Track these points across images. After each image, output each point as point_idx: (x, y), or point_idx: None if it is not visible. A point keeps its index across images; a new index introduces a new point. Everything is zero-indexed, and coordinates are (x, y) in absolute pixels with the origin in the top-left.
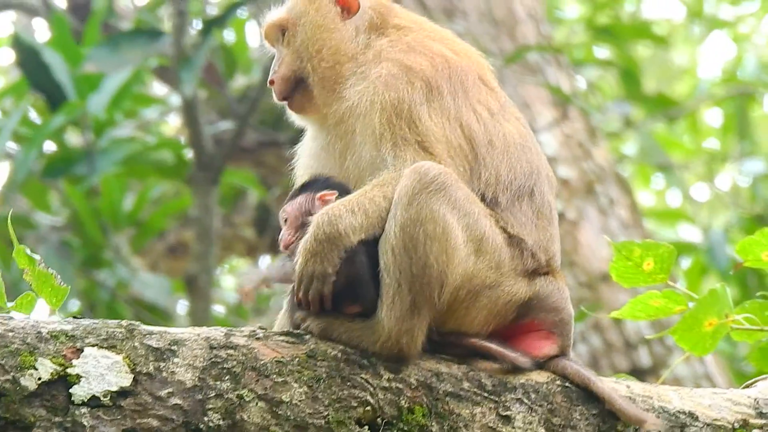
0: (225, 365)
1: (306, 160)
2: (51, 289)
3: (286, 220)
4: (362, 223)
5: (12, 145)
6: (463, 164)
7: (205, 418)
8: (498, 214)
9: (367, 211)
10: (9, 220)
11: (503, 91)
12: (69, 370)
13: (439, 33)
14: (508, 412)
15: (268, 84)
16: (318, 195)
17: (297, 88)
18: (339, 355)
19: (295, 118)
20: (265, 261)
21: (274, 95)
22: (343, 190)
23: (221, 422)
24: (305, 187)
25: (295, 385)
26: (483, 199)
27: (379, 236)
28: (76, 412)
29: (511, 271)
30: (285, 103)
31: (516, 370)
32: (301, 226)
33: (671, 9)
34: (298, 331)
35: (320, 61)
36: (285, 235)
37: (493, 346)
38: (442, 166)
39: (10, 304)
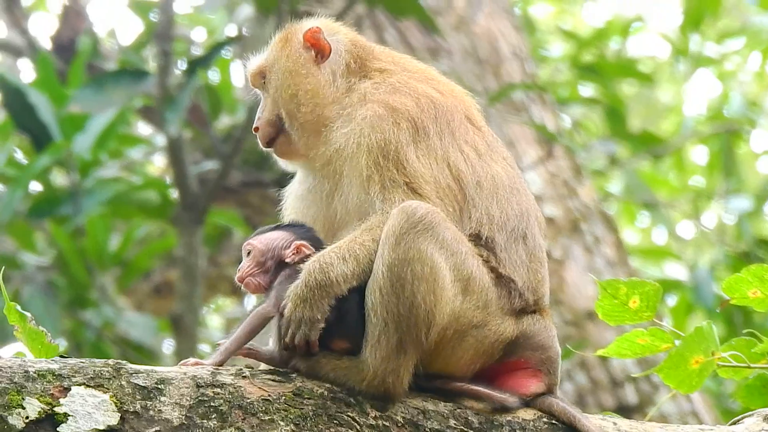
0: (212, 404)
1: (293, 201)
2: (41, 346)
3: (249, 253)
4: (353, 270)
5: None
6: (453, 204)
7: None
8: (493, 254)
9: (357, 257)
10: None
11: (490, 129)
12: (56, 409)
13: (423, 73)
14: None
15: (252, 130)
16: (298, 242)
17: (279, 134)
18: (326, 393)
19: (281, 164)
20: (251, 300)
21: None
22: (320, 247)
23: None
24: (282, 228)
25: (282, 423)
26: (479, 237)
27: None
28: None
29: (498, 310)
30: (270, 149)
31: (503, 408)
32: (264, 264)
33: (656, 47)
34: (285, 369)
35: (297, 105)
36: (244, 267)
37: (480, 389)
38: (429, 205)
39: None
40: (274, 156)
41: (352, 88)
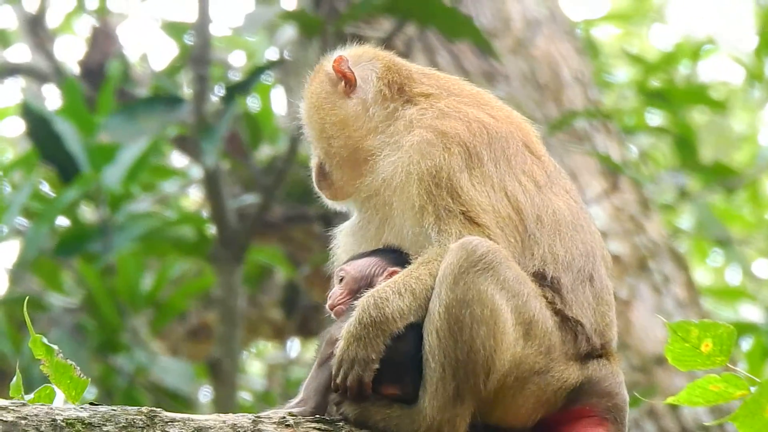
0: None
1: (342, 238)
2: (70, 380)
3: (341, 279)
4: (410, 305)
5: (22, 221)
6: (514, 235)
7: None
8: (559, 295)
9: (414, 292)
10: (25, 305)
11: (552, 159)
12: None
13: (474, 97)
14: None
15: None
16: (391, 269)
17: (323, 175)
18: None
19: (336, 206)
20: (294, 344)
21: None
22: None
23: None
24: (376, 253)
25: None
26: (543, 277)
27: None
28: None
29: (562, 355)
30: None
31: None
32: (357, 292)
33: (729, 72)
34: (332, 417)
35: (328, 140)
36: (336, 293)
37: None
38: (491, 242)
39: (28, 397)
40: (330, 202)
41: (395, 116)
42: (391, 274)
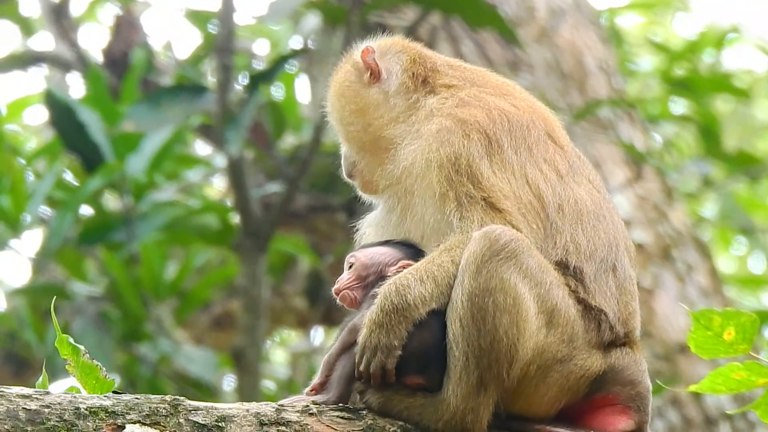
0: None
1: (366, 228)
2: (96, 381)
3: (351, 266)
4: (432, 292)
5: (46, 210)
6: (536, 222)
7: None
8: (582, 285)
9: (436, 279)
10: (53, 302)
11: (576, 149)
12: None
13: (498, 88)
14: None
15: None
16: (405, 262)
17: (352, 165)
18: (398, 431)
19: (368, 197)
20: (317, 333)
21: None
22: None
23: None
24: (390, 244)
25: None
26: (566, 267)
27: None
28: None
29: (585, 343)
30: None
31: None
32: (365, 279)
33: (753, 60)
34: (355, 405)
35: (347, 127)
36: (344, 279)
37: (562, 431)
38: (514, 231)
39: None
40: (361, 192)
41: (417, 106)
42: (403, 266)
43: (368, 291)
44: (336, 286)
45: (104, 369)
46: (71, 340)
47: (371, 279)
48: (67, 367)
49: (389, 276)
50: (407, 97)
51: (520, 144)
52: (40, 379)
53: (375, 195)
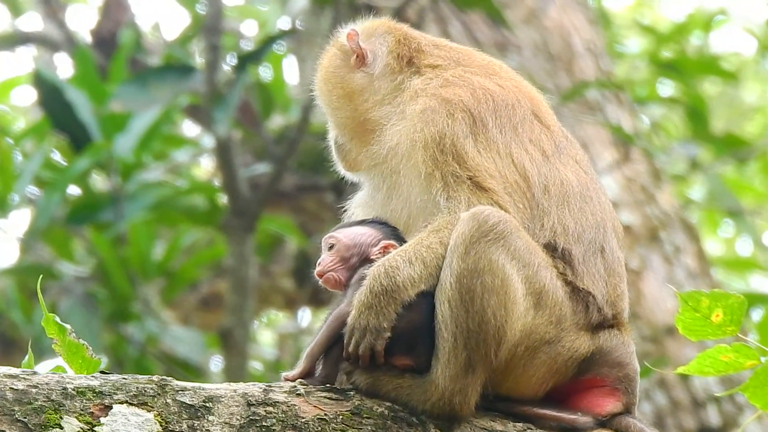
0: (264, 423)
1: (354, 210)
2: (82, 360)
3: (331, 246)
4: (421, 273)
5: (34, 190)
6: (522, 201)
7: None
8: (570, 267)
9: (425, 260)
10: (39, 281)
11: (563, 129)
12: (97, 429)
13: (484, 67)
14: None
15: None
16: (386, 242)
17: (339, 146)
18: (386, 412)
19: (350, 177)
20: (305, 314)
21: None
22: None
23: None
24: (366, 224)
25: None
26: (554, 249)
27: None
28: None
29: (573, 325)
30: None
31: (574, 430)
32: (348, 260)
33: (741, 42)
34: (343, 386)
35: (335, 111)
36: (326, 261)
37: (547, 412)
38: (502, 212)
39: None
40: (345, 172)
41: (402, 87)
42: (386, 246)
43: (352, 273)
44: (318, 269)
45: (90, 348)
46: (58, 319)
47: (354, 260)
48: (53, 346)
49: (373, 257)
50: (392, 79)
51: (505, 123)
52: (26, 358)
53: (358, 173)
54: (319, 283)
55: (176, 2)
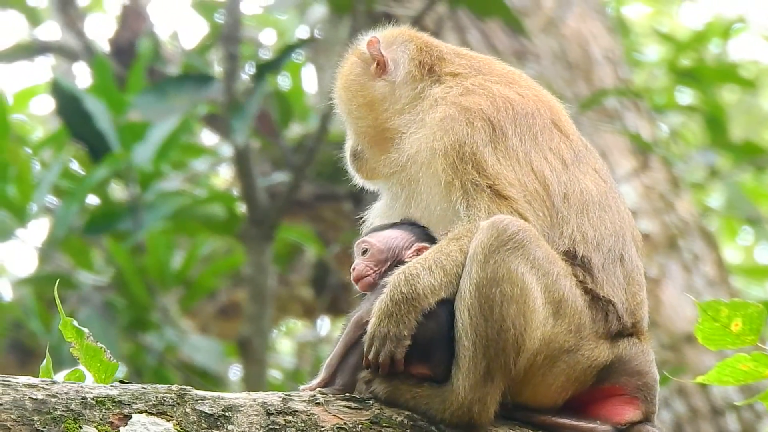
0: None
1: (373, 219)
2: (100, 364)
3: (365, 251)
4: (441, 281)
5: (52, 200)
6: (542, 209)
7: None
8: (590, 275)
9: (444, 268)
10: (56, 287)
11: (582, 138)
12: None
13: (504, 76)
14: None
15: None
16: (420, 244)
17: (356, 155)
18: (405, 421)
19: (368, 186)
20: (324, 323)
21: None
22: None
23: None
24: (398, 227)
25: None
26: (573, 257)
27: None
28: None
29: (592, 334)
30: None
31: None
32: (384, 264)
33: (760, 51)
34: (361, 395)
35: (356, 120)
36: (361, 265)
37: (566, 422)
38: (522, 221)
39: (57, 377)
40: (362, 181)
41: (422, 95)
42: (420, 249)
43: (384, 277)
44: (354, 274)
45: (108, 352)
46: (75, 323)
47: (388, 264)
48: (71, 350)
49: (407, 260)
50: (413, 87)
51: (525, 132)
52: (44, 362)
53: (376, 182)
54: (356, 287)
55: (194, 11)
